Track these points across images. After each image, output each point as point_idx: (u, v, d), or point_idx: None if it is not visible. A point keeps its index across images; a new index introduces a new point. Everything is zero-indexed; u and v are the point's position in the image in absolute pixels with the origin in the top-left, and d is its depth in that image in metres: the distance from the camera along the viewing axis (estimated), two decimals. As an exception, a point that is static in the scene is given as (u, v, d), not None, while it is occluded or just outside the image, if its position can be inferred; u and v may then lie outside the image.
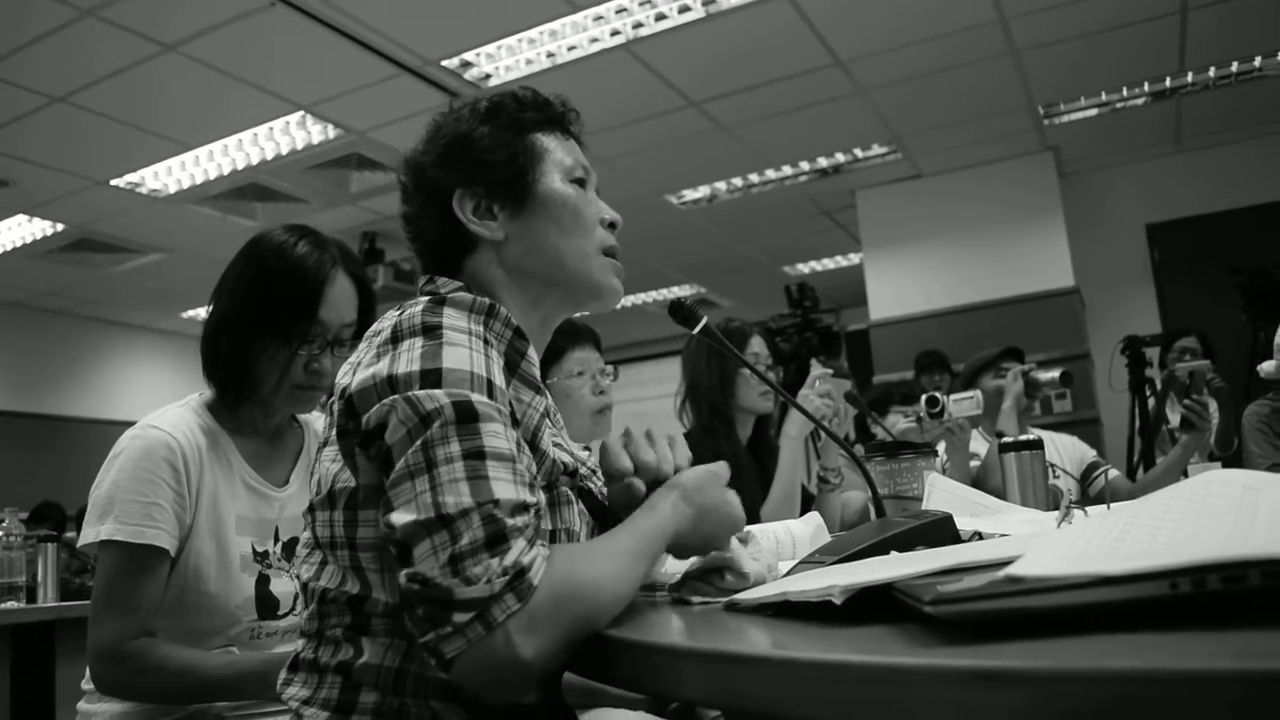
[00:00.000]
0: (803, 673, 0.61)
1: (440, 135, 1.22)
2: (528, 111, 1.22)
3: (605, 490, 1.21)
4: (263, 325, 1.54)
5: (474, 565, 0.84)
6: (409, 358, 0.95)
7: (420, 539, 0.87)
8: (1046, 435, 3.64)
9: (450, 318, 0.99)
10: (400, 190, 1.26)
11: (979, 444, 3.29)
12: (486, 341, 1.00)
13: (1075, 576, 0.58)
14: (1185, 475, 2.91)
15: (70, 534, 4.31)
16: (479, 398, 0.93)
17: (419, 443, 0.90)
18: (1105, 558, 0.61)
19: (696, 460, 1.16)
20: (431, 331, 0.97)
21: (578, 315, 1.33)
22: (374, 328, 1.05)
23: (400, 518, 0.88)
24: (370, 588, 1.00)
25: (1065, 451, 3.49)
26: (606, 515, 1.18)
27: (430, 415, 0.91)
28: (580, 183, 1.23)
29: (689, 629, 0.88)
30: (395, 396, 0.93)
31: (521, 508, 0.89)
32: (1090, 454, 3.52)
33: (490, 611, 0.83)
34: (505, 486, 0.89)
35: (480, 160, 1.18)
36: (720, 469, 1.13)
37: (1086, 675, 0.49)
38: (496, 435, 0.92)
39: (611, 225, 1.25)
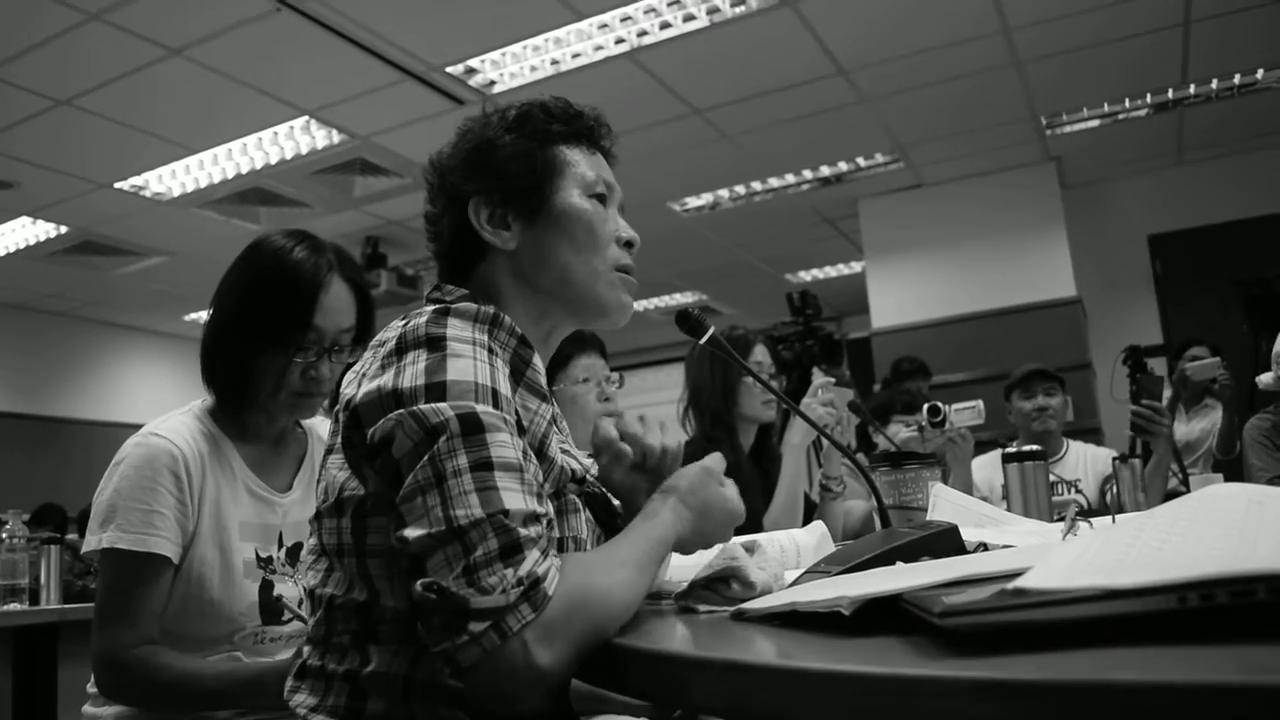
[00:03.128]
0: (812, 683, 0.61)
1: (466, 140, 1.22)
2: (555, 123, 1.22)
3: (605, 484, 1.21)
4: (259, 332, 1.53)
5: (489, 575, 0.85)
6: (413, 371, 0.96)
7: (433, 552, 0.87)
8: (1080, 448, 3.65)
9: (455, 328, 0.99)
10: (426, 189, 1.26)
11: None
12: (491, 351, 1.00)
13: (1083, 589, 0.58)
14: (1188, 488, 2.92)
15: (72, 536, 4.32)
16: (484, 408, 0.93)
17: (426, 457, 0.90)
18: (1112, 571, 0.61)
19: None
20: (435, 343, 0.97)
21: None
22: (379, 338, 1.05)
23: (412, 532, 0.89)
24: (378, 594, 1.00)
25: (1097, 465, 3.49)
26: (614, 523, 1.18)
27: (436, 429, 0.91)
28: (601, 199, 1.22)
29: (696, 638, 0.88)
30: (401, 411, 0.93)
31: (533, 518, 0.90)
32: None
33: (505, 621, 0.83)
34: (515, 497, 0.90)
35: (500, 168, 1.18)
36: (713, 462, 1.13)
37: (1094, 688, 0.49)
38: (504, 445, 0.92)
39: (629, 244, 1.24)
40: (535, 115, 1.22)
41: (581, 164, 1.22)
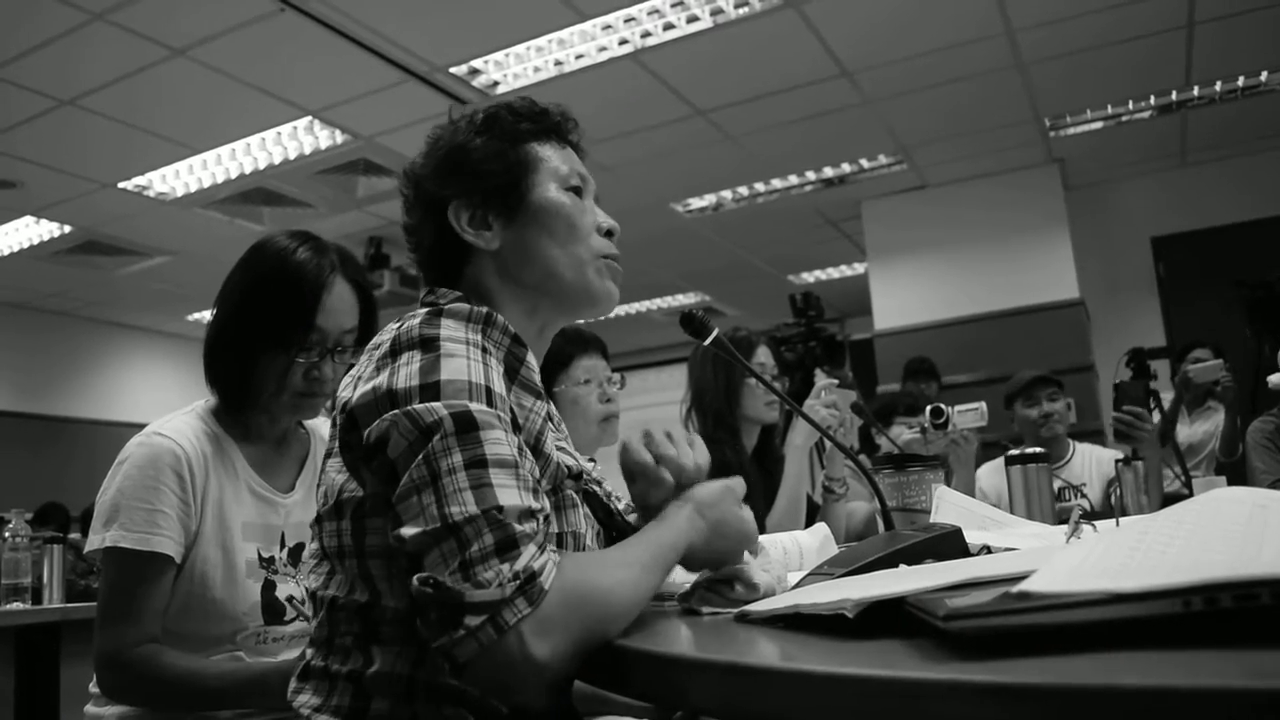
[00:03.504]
0: (815, 686, 0.61)
1: (437, 147, 1.24)
2: (523, 121, 1.23)
3: (611, 493, 1.21)
4: (262, 333, 1.54)
5: (485, 570, 0.85)
6: (408, 371, 0.96)
7: (430, 549, 0.87)
8: (1086, 449, 3.64)
9: (448, 329, 1.00)
10: (402, 202, 1.27)
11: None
12: (485, 350, 1.01)
13: (1087, 593, 0.58)
14: (1191, 490, 2.91)
15: (75, 535, 4.32)
16: (478, 406, 0.94)
17: (421, 456, 0.91)
18: (1116, 575, 0.61)
19: None
20: (429, 344, 0.98)
21: (581, 322, 1.33)
22: (374, 340, 1.06)
23: (409, 530, 0.89)
24: (379, 595, 1.01)
25: (1102, 466, 3.49)
26: (612, 519, 1.19)
27: (431, 428, 0.92)
28: (577, 191, 1.23)
29: (700, 640, 0.89)
30: (396, 411, 0.94)
31: (528, 514, 0.90)
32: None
33: (501, 615, 0.84)
34: (509, 493, 0.90)
35: (475, 171, 1.19)
36: (736, 484, 1.13)
37: (1099, 692, 0.49)
38: (498, 443, 0.93)
39: (609, 233, 1.25)
40: (503, 116, 1.23)
41: (554, 159, 1.23)
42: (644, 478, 1.08)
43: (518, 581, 0.85)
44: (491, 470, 0.91)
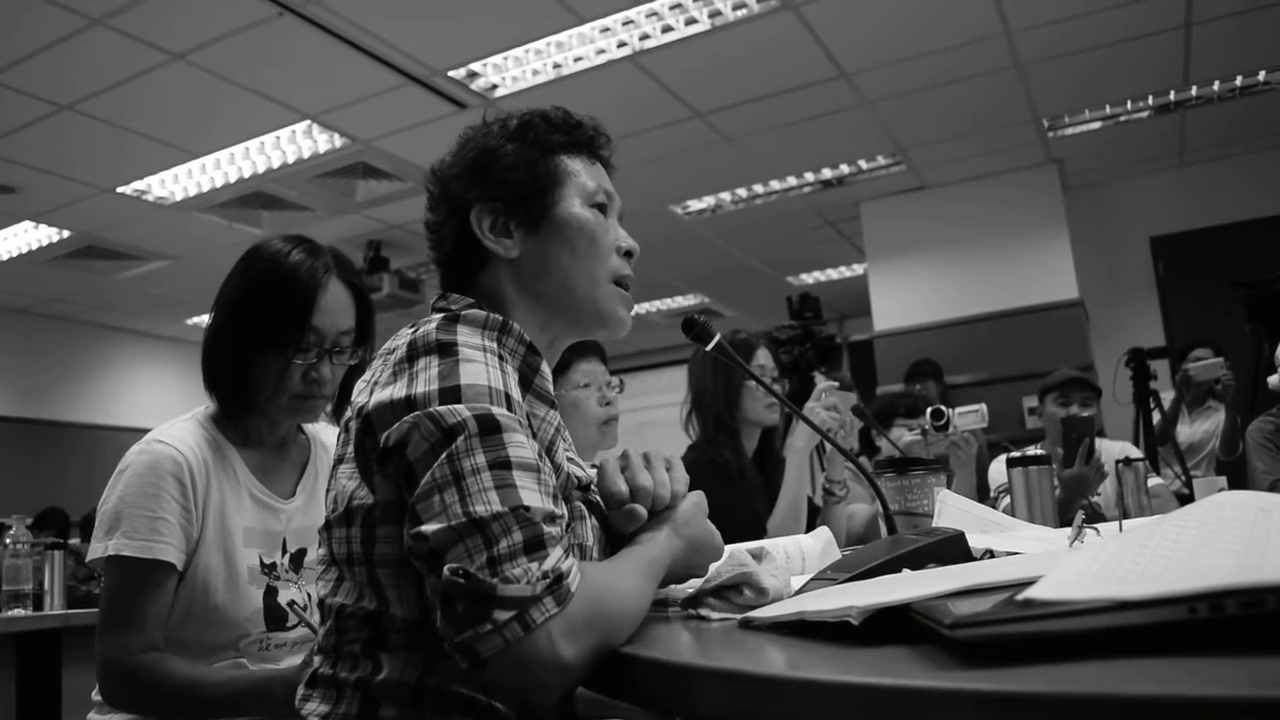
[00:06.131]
0: (822, 694, 0.61)
1: (468, 149, 1.23)
2: (556, 133, 1.23)
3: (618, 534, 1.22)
4: (258, 335, 1.54)
5: (513, 567, 0.85)
6: (426, 376, 0.96)
7: (454, 544, 0.87)
8: (1101, 444, 3.62)
9: (464, 335, 1.00)
10: (427, 197, 1.27)
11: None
12: (501, 357, 1.01)
13: (1093, 600, 0.58)
14: (1191, 490, 2.91)
15: (74, 540, 4.32)
16: (500, 410, 0.94)
17: (444, 456, 0.91)
18: (1121, 582, 0.61)
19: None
20: (447, 349, 0.98)
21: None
22: (388, 345, 1.06)
23: (431, 527, 0.88)
24: (388, 603, 1.00)
25: (1110, 458, 3.47)
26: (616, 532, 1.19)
27: (454, 429, 0.92)
28: (602, 208, 1.23)
29: (704, 647, 0.88)
30: (417, 413, 0.94)
31: (551, 517, 0.90)
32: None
33: (530, 612, 0.83)
34: (533, 495, 0.90)
35: (502, 177, 1.19)
36: (700, 499, 1.15)
37: (1105, 700, 0.49)
38: (520, 446, 0.93)
39: (628, 254, 1.25)
40: (536, 125, 1.23)
41: (582, 174, 1.23)
42: (620, 509, 1.08)
43: (546, 581, 0.85)
44: (515, 472, 0.91)
